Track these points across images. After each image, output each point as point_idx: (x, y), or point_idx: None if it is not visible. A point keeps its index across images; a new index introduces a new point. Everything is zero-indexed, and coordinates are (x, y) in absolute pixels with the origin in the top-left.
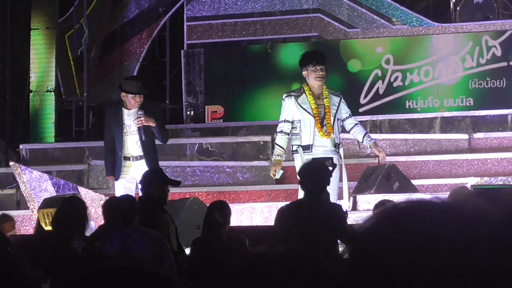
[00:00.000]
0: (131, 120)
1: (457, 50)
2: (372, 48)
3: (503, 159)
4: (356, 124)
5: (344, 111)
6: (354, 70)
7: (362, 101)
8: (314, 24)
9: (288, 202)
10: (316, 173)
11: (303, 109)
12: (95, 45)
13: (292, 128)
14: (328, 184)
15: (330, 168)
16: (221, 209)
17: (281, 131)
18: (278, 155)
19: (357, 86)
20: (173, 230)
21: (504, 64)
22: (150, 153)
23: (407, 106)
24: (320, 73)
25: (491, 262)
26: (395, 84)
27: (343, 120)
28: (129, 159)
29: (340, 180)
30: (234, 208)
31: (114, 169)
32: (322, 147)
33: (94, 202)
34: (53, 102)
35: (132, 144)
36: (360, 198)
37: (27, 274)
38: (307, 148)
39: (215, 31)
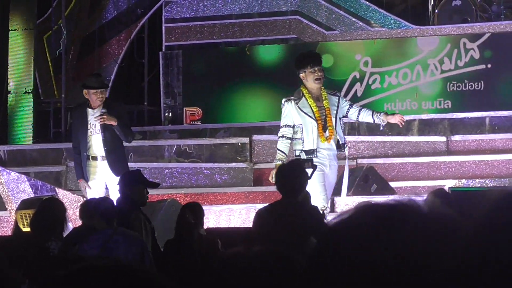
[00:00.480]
0: (96, 119)
1: (435, 52)
2: (350, 50)
3: (481, 161)
4: (360, 109)
5: (345, 106)
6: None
7: None
8: (292, 26)
9: (266, 204)
10: (292, 174)
11: (304, 113)
12: (74, 47)
13: (293, 132)
14: (305, 186)
15: (310, 170)
16: (193, 211)
17: (282, 136)
18: (279, 160)
19: (335, 88)
20: (148, 230)
21: (482, 66)
22: (113, 152)
23: (385, 109)
24: (319, 74)
25: (460, 269)
26: (373, 87)
27: (346, 113)
28: (96, 159)
29: (338, 180)
30: (212, 210)
31: (83, 171)
32: (327, 150)
33: (72, 203)
34: (31, 103)
35: (98, 143)
36: (338, 200)
37: (7, 274)
38: (311, 152)
39: (194, 33)
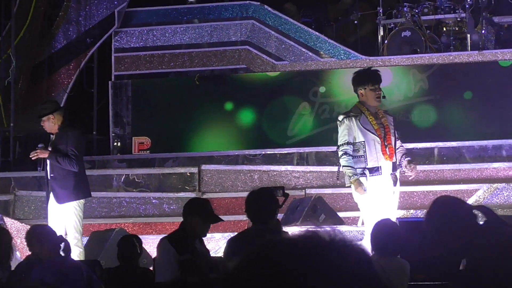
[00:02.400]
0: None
1: (384, 83)
2: (300, 80)
3: (429, 191)
4: (401, 145)
5: (397, 130)
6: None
7: (290, 133)
8: (242, 56)
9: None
10: (261, 202)
11: (366, 129)
12: (23, 76)
13: (354, 150)
14: (276, 213)
15: (282, 198)
16: (138, 241)
17: (345, 153)
18: (354, 175)
19: (285, 118)
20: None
21: (431, 97)
22: (58, 179)
23: (334, 139)
24: (379, 92)
25: None
26: (322, 117)
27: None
28: (47, 184)
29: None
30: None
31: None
32: (386, 168)
33: (20, 232)
34: None
35: (48, 169)
36: (287, 229)
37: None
38: (376, 170)
39: (143, 63)
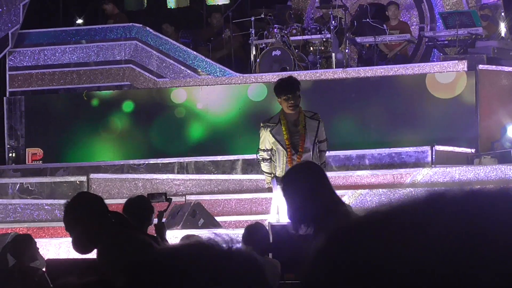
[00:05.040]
0: None
1: (260, 97)
2: (180, 95)
3: None
4: (323, 151)
5: (322, 132)
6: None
7: (172, 144)
8: (126, 73)
9: None
10: (135, 208)
11: (277, 140)
12: None
13: (272, 154)
14: (150, 218)
15: (166, 203)
16: (14, 246)
17: (263, 159)
18: (269, 183)
19: (168, 130)
20: None
21: None
22: None
23: (211, 150)
24: (292, 101)
25: None
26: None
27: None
28: None
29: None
30: (52, 242)
31: None
32: None
33: None
34: None
35: None
36: (169, 233)
37: None
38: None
39: (35, 80)
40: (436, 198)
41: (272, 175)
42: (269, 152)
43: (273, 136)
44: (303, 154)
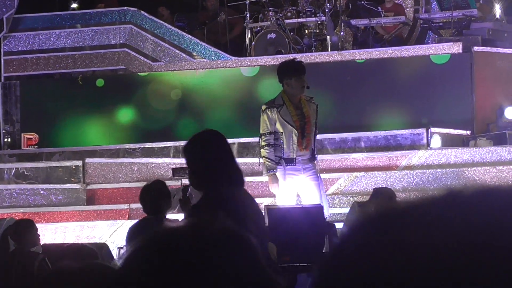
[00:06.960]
0: None
1: (256, 80)
2: (174, 79)
3: None
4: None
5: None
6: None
7: (168, 128)
8: (121, 57)
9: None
10: (155, 195)
11: (285, 121)
12: None
13: (275, 138)
14: (170, 206)
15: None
16: (15, 230)
17: (268, 144)
18: (272, 169)
19: (161, 114)
20: None
21: None
22: None
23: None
24: (304, 82)
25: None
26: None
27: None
28: None
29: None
30: (48, 227)
31: None
32: (301, 157)
33: None
34: None
35: None
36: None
37: None
38: (291, 161)
39: (30, 65)
40: (453, 196)
41: (278, 159)
42: (273, 136)
43: (282, 117)
44: (310, 135)
